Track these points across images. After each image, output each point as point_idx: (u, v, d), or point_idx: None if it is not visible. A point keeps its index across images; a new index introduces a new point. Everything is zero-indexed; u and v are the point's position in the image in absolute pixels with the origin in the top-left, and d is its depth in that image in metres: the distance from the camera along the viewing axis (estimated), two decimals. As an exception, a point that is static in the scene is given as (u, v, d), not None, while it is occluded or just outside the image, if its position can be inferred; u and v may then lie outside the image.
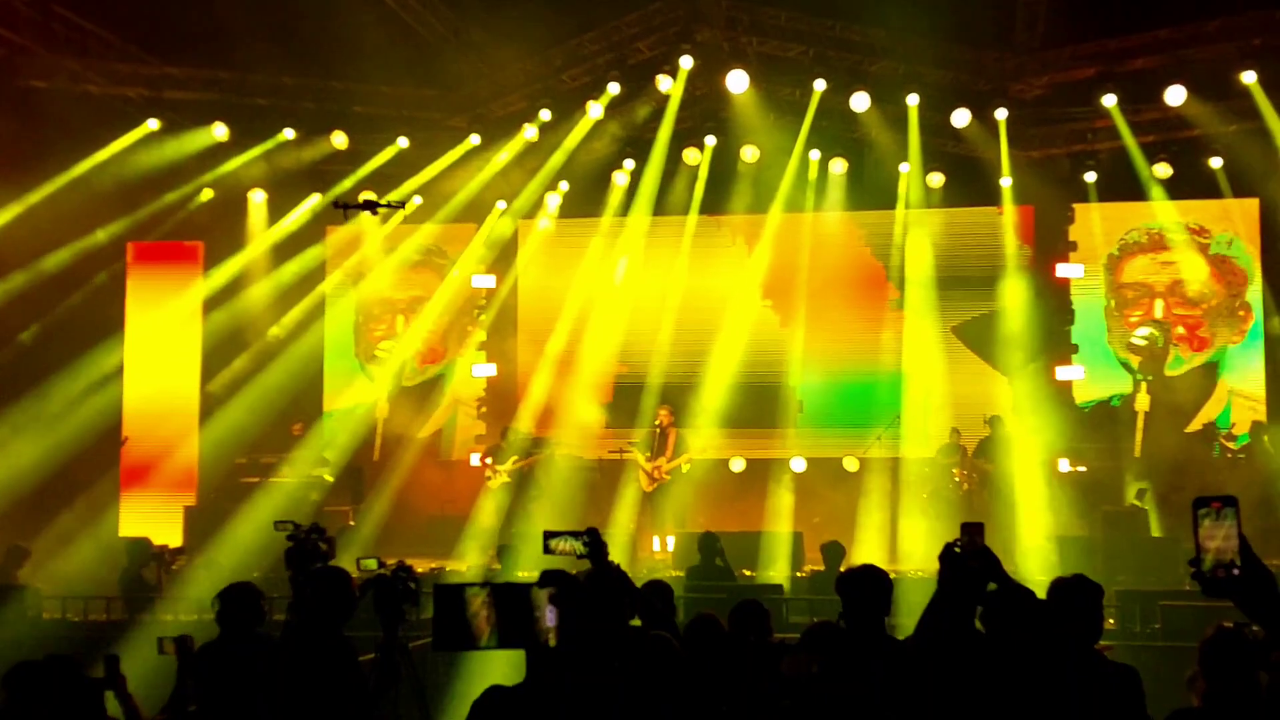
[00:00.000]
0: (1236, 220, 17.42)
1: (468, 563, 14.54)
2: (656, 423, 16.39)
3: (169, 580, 12.81)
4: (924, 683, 4.51)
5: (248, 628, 6.64)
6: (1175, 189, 17.01)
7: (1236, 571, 2.84)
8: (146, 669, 7.32)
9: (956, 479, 16.15)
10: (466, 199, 18.08)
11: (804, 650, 4.26)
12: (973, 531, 4.79)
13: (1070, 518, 15.09)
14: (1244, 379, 17.23)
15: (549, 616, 2.82)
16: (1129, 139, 16.47)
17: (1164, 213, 17.47)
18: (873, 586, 5.60)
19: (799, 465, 17.24)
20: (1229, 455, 15.57)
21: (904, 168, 17.47)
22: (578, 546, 5.36)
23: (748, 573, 13.23)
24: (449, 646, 2.90)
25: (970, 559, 4.71)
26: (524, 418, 17.82)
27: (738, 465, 17.65)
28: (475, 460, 17.48)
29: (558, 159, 17.66)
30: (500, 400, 18.77)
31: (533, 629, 2.85)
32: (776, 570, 13.50)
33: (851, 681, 4.06)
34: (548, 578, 2.83)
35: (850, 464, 17.16)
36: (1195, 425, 17.11)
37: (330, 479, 16.72)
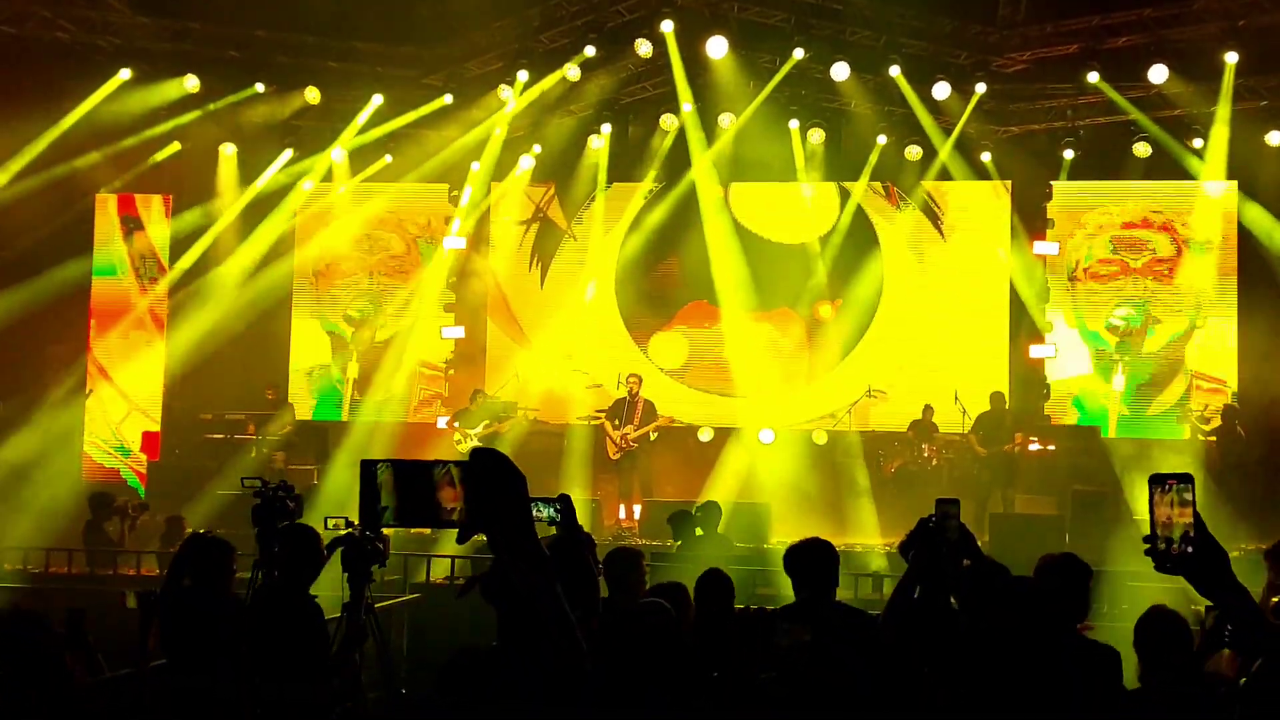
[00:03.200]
0: (1214, 202, 17.41)
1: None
2: (626, 390, 16.34)
3: (132, 536, 12.70)
4: (899, 659, 4.49)
5: (215, 583, 6.53)
6: (1155, 168, 16.98)
7: (1190, 549, 2.84)
8: (108, 623, 7.23)
9: (926, 454, 16.18)
10: (439, 159, 17.91)
11: (795, 620, 4.24)
12: (947, 508, 4.76)
13: (1038, 496, 15.17)
14: (1215, 361, 17.28)
15: (452, 497, 2.75)
16: (1128, 107, 16.36)
17: (1142, 191, 17.49)
18: (820, 559, 5.59)
19: (767, 436, 17.22)
20: (1200, 437, 15.63)
21: (881, 139, 17.40)
22: (550, 513, 5.28)
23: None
24: (366, 524, 2.83)
25: (945, 535, 4.69)
26: (493, 382, 17.74)
27: (706, 435, 17.62)
28: (442, 423, 17.37)
29: (533, 121, 17.53)
30: (468, 363, 18.66)
31: (434, 510, 2.76)
32: (742, 540, 13.47)
33: (840, 652, 4.03)
34: (478, 454, 2.74)
35: (819, 437, 17.16)
36: (1162, 406, 17.21)
37: (295, 438, 16.66)
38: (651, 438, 16.13)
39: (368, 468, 2.76)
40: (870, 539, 14.34)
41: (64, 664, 6.10)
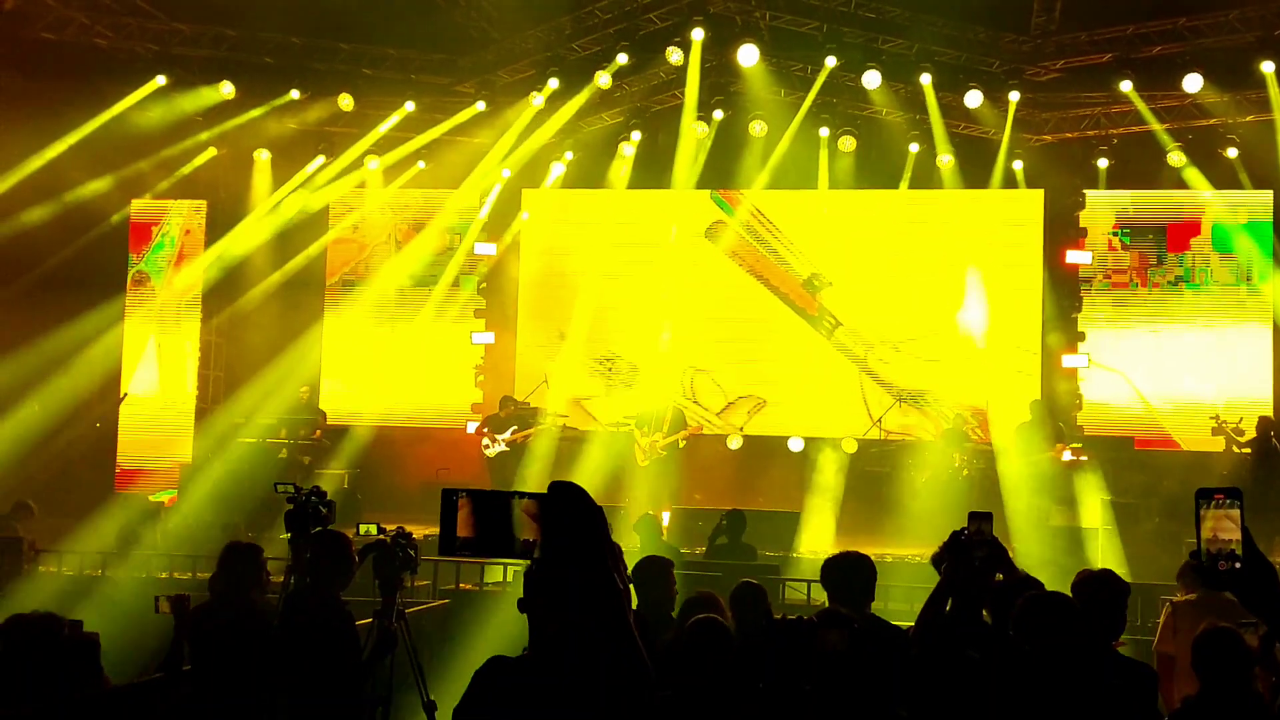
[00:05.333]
0: (1247, 211, 17.27)
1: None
2: (655, 398, 16.34)
3: (165, 538, 12.79)
4: (931, 672, 4.46)
5: (248, 590, 6.56)
6: (1190, 177, 16.87)
7: (1238, 564, 2.80)
8: (141, 626, 7.27)
9: (957, 464, 16.09)
10: (471, 165, 17.98)
11: (831, 627, 4.23)
12: (980, 521, 4.73)
13: (1073, 508, 15.06)
14: (1252, 371, 17.11)
15: (529, 529, 2.74)
16: (1151, 120, 16.35)
17: (1180, 198, 17.35)
18: (856, 572, 5.59)
19: (797, 445, 17.20)
20: (1235, 449, 15.48)
21: (913, 147, 17.34)
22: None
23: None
24: (444, 552, 2.82)
25: (977, 549, 4.65)
26: (523, 388, 17.78)
27: (735, 443, 17.59)
28: (472, 428, 17.41)
29: (564, 128, 17.58)
30: (498, 369, 18.70)
31: (511, 540, 2.76)
32: (770, 549, 13.47)
33: (871, 664, 4.03)
34: (558, 488, 2.73)
35: (849, 445, 17.11)
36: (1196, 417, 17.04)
37: (324, 442, 16.74)
38: (680, 445, 16.11)
39: (448, 497, 2.76)
40: (900, 549, 14.27)
41: (97, 669, 6.15)
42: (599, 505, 2.76)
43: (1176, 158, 16.61)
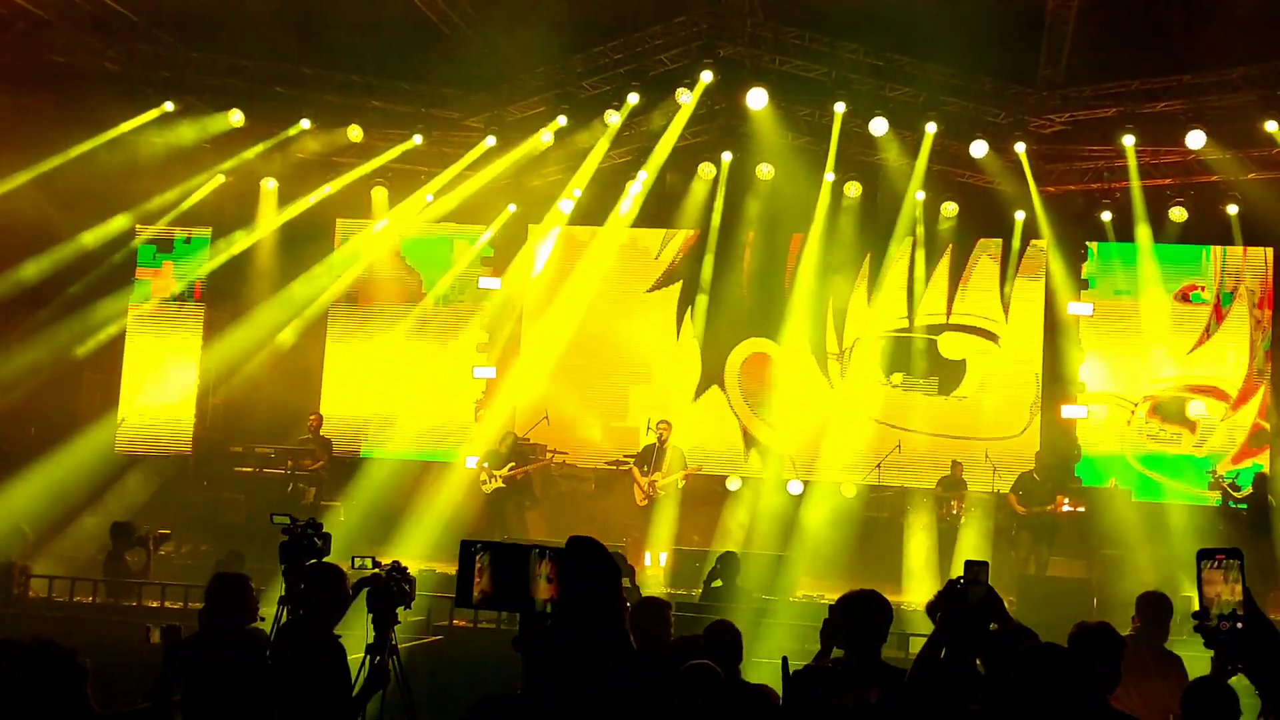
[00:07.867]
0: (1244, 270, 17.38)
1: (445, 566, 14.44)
2: (655, 437, 16.33)
3: (156, 565, 12.71)
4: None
5: (237, 620, 6.53)
6: (1190, 234, 16.97)
7: (1240, 625, 2.78)
8: (128, 654, 7.23)
9: (954, 512, 16.06)
10: (478, 200, 18.00)
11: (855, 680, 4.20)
12: (977, 570, 4.71)
13: (1067, 559, 15.03)
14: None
15: (547, 587, 2.72)
16: (1135, 186, 16.49)
17: (1182, 256, 17.44)
18: (871, 612, 5.49)
19: (796, 488, 17.16)
20: (1231, 505, 15.47)
21: (919, 195, 17.37)
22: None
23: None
24: (460, 603, 2.79)
25: (973, 598, 4.64)
26: (523, 424, 17.75)
27: (734, 484, 17.55)
28: (470, 463, 17.35)
29: (572, 166, 17.63)
30: (498, 404, 18.65)
31: (528, 596, 2.74)
32: (767, 593, 13.39)
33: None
34: (576, 542, 2.70)
35: (847, 489, 17.08)
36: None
37: (324, 473, 16.69)
38: (679, 485, 16.07)
39: (466, 549, 2.73)
40: (895, 596, 14.22)
41: (86, 698, 6.10)
42: (616, 564, 2.75)
43: (1178, 212, 16.66)
